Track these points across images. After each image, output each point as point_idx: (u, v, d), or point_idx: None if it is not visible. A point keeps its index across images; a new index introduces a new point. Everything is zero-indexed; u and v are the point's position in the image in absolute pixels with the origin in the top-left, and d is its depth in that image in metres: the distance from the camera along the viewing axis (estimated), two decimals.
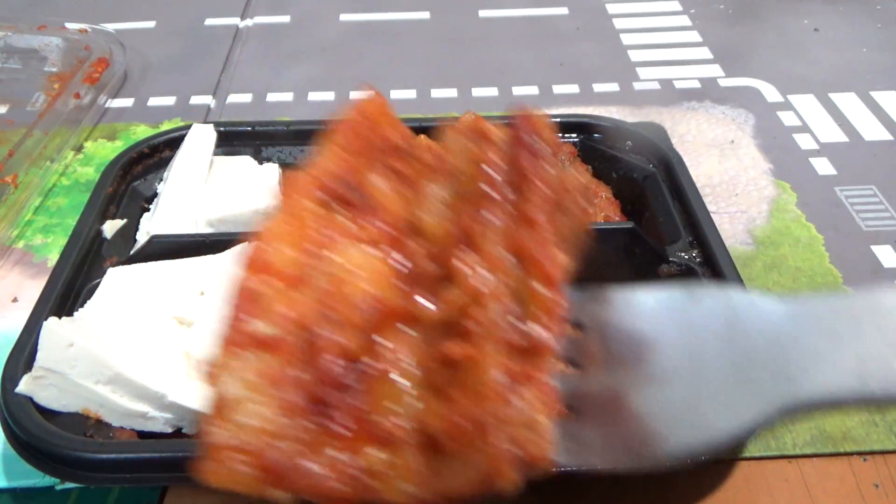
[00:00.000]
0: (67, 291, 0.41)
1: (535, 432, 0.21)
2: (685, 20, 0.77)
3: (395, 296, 0.25)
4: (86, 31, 0.69)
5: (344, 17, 0.78)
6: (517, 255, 0.24)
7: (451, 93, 0.67)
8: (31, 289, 0.48)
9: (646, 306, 0.24)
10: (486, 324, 0.22)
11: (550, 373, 0.22)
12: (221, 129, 0.52)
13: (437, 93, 0.67)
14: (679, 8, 0.79)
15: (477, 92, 0.67)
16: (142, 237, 0.46)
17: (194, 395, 0.35)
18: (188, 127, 0.51)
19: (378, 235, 0.25)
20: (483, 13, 0.79)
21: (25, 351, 0.37)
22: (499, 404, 0.21)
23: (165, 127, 0.61)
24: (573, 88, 0.67)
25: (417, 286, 0.25)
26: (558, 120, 0.53)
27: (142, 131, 0.62)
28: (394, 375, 0.23)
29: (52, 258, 0.50)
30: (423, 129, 0.50)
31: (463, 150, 0.26)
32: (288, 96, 0.66)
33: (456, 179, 0.26)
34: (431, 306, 0.24)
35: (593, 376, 0.24)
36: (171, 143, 0.51)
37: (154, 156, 0.51)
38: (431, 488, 0.22)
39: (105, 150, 0.60)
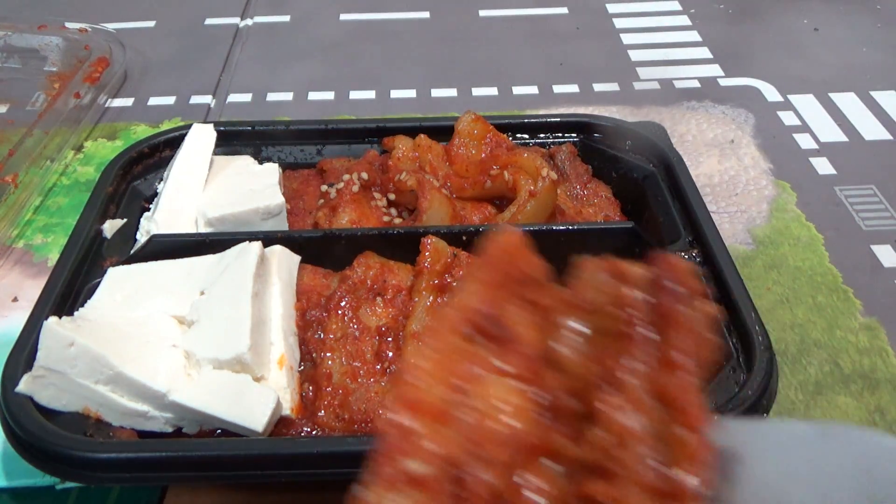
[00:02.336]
0: (67, 291, 0.41)
1: None
2: (685, 20, 0.77)
3: (538, 430, 0.25)
4: (86, 30, 0.69)
5: (344, 16, 0.78)
6: (660, 399, 0.24)
7: (451, 92, 0.67)
8: (31, 288, 0.48)
9: (774, 442, 0.24)
10: (630, 465, 0.23)
11: None
12: (221, 128, 0.52)
13: (437, 92, 0.67)
14: (679, 8, 0.79)
15: (477, 91, 0.67)
16: (142, 237, 0.46)
17: (194, 395, 0.35)
18: (188, 127, 0.51)
19: (519, 369, 0.26)
20: (483, 13, 0.79)
21: (25, 350, 0.37)
22: None
23: (165, 127, 0.61)
24: (573, 88, 0.67)
25: (558, 421, 0.25)
26: (558, 120, 0.53)
27: (142, 131, 0.62)
28: None
29: (52, 258, 0.50)
30: (423, 128, 0.50)
31: (600, 286, 0.26)
32: (288, 96, 0.66)
33: (593, 315, 0.26)
34: (573, 445, 0.24)
35: None
36: (171, 143, 0.51)
37: (154, 155, 0.51)
38: None
39: (105, 150, 0.60)
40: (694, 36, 0.74)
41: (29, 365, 0.36)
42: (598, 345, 0.26)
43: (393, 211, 0.47)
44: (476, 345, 0.26)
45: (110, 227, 0.45)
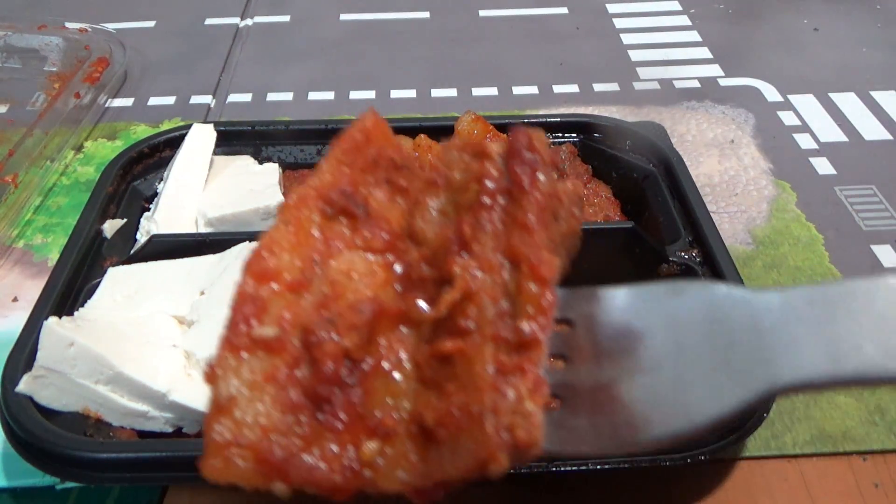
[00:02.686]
0: (67, 291, 0.41)
1: (525, 419, 0.22)
2: (685, 20, 0.77)
3: (393, 298, 0.26)
4: (86, 30, 0.69)
5: (344, 16, 0.78)
6: (511, 259, 0.25)
7: (451, 92, 0.67)
8: (31, 288, 0.48)
9: (631, 302, 0.26)
10: (478, 320, 0.24)
11: (540, 365, 0.23)
12: (221, 128, 0.52)
13: (437, 92, 0.67)
14: (679, 8, 0.79)
15: (477, 91, 0.67)
16: (142, 237, 0.46)
17: (194, 395, 0.35)
18: (188, 127, 0.51)
19: (377, 243, 0.27)
20: (483, 13, 0.79)
21: (25, 350, 0.37)
22: (490, 394, 0.23)
23: (165, 126, 0.61)
24: (573, 88, 0.67)
25: (415, 290, 0.26)
26: (558, 120, 0.53)
27: (142, 131, 0.62)
28: (389, 371, 0.25)
29: (52, 258, 0.50)
30: (423, 128, 0.50)
31: (461, 165, 0.27)
32: (288, 96, 0.66)
33: (454, 193, 0.28)
34: (426, 307, 0.25)
35: (582, 369, 0.25)
36: (171, 143, 0.51)
37: (154, 155, 0.51)
38: (426, 476, 0.23)
39: (105, 150, 0.60)
40: (694, 36, 0.74)
41: (29, 365, 0.36)
42: (458, 218, 0.27)
43: None
44: (335, 222, 0.27)
45: (110, 227, 0.45)
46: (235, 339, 0.24)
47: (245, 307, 0.24)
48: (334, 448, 0.23)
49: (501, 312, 0.24)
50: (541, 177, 0.26)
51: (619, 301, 0.26)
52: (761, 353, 0.23)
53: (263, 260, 0.25)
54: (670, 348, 0.24)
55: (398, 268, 0.27)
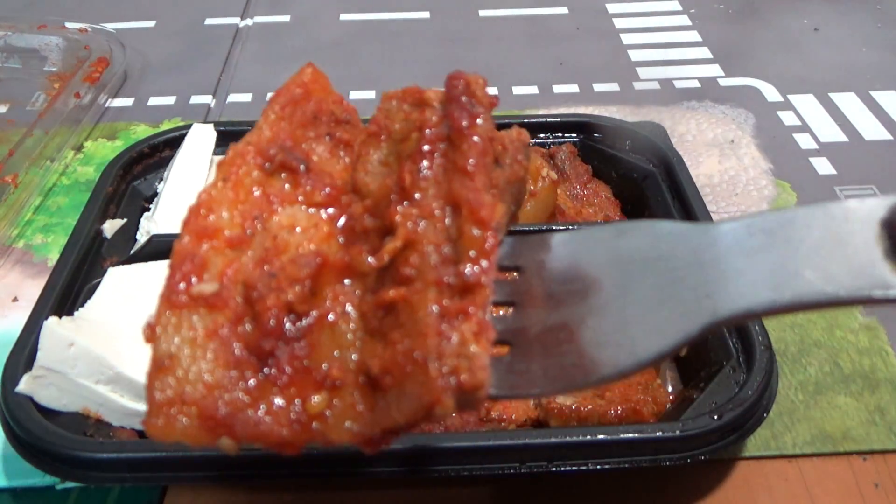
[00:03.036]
0: (67, 291, 0.41)
1: (469, 362, 0.22)
2: (685, 20, 0.77)
3: (336, 251, 0.26)
4: (86, 30, 0.69)
5: (344, 16, 0.78)
6: (451, 204, 0.25)
7: None
8: (31, 288, 0.48)
9: (579, 246, 0.26)
10: (420, 266, 0.24)
11: (484, 309, 0.23)
12: (221, 128, 0.52)
13: None
14: (679, 8, 0.79)
15: None
16: (142, 237, 0.46)
17: None
18: (188, 127, 0.51)
19: (318, 198, 0.27)
20: (483, 13, 0.79)
21: (25, 350, 0.37)
22: (434, 339, 0.22)
23: (165, 126, 0.61)
24: (573, 88, 0.67)
25: (359, 242, 0.26)
26: (558, 120, 0.53)
27: (142, 131, 0.62)
28: (334, 323, 0.25)
29: (52, 258, 0.50)
30: None
31: (401, 115, 0.27)
32: None
33: (396, 144, 0.27)
34: (369, 257, 0.25)
35: (532, 314, 0.26)
36: (171, 143, 0.51)
37: (154, 155, 0.51)
38: (374, 424, 0.23)
39: (105, 150, 0.60)
40: (694, 36, 0.74)
41: (29, 365, 0.36)
42: (399, 168, 0.26)
43: None
44: (276, 178, 0.27)
45: (110, 227, 0.45)
46: (175, 296, 0.24)
47: (184, 265, 0.24)
48: (281, 402, 0.23)
49: (445, 259, 0.24)
50: (479, 121, 0.26)
51: (567, 246, 0.26)
52: (704, 286, 0.23)
53: (201, 217, 0.25)
54: (617, 288, 0.25)
55: (341, 221, 0.26)
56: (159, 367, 0.23)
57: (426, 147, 0.26)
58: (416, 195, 0.25)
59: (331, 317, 0.25)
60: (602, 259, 0.25)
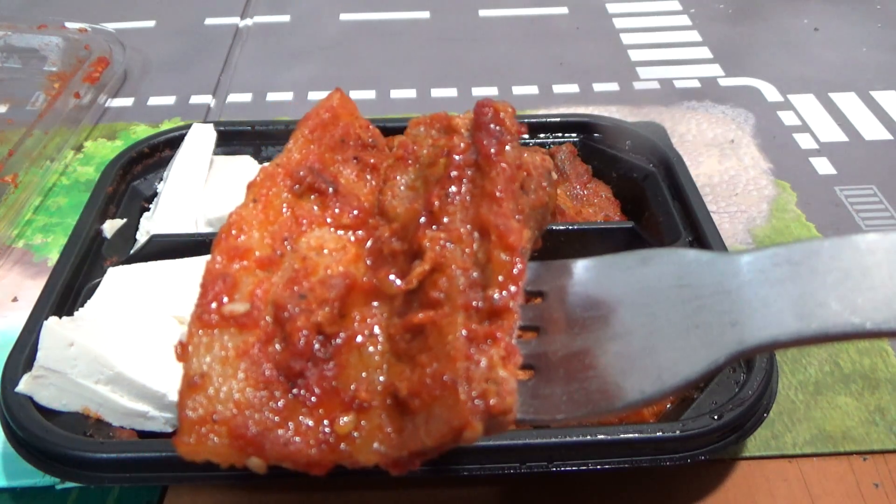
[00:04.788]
0: (67, 291, 0.41)
1: (497, 386, 0.22)
2: (685, 20, 0.77)
3: (364, 273, 0.26)
4: (86, 30, 0.69)
5: (344, 16, 0.78)
6: (479, 229, 0.25)
7: (451, 92, 0.67)
8: (31, 288, 0.48)
9: (602, 272, 0.26)
10: (449, 291, 0.24)
11: (512, 333, 0.24)
12: (221, 128, 0.52)
13: (437, 92, 0.67)
14: (679, 8, 0.79)
15: (477, 91, 0.67)
16: (142, 237, 0.46)
17: None
18: (188, 126, 0.51)
19: (347, 220, 0.27)
20: (483, 13, 0.79)
21: (25, 350, 0.37)
22: (463, 362, 0.23)
23: (165, 126, 0.61)
24: (573, 88, 0.67)
25: (387, 264, 0.26)
26: (558, 120, 0.53)
27: (142, 131, 0.62)
28: (362, 345, 0.25)
29: (52, 258, 0.50)
30: None
31: (429, 140, 0.27)
32: (288, 96, 0.66)
33: (423, 168, 0.27)
34: (397, 280, 0.25)
35: (556, 339, 0.26)
36: (171, 143, 0.51)
37: (154, 155, 0.51)
38: (402, 447, 0.23)
39: (105, 150, 0.60)
40: (694, 36, 0.74)
41: (29, 365, 0.36)
42: (427, 193, 0.27)
43: None
44: (305, 199, 0.27)
45: (110, 227, 0.45)
46: (206, 315, 0.24)
47: (215, 284, 0.24)
48: (309, 422, 0.23)
49: (472, 282, 0.24)
50: (507, 148, 0.26)
51: (591, 272, 0.26)
52: (729, 314, 0.23)
53: (232, 237, 0.25)
54: (641, 315, 0.25)
55: (369, 243, 0.27)
56: (191, 385, 0.23)
57: (454, 172, 0.26)
58: (445, 219, 0.25)
59: (359, 338, 0.25)
60: (625, 286, 0.25)
